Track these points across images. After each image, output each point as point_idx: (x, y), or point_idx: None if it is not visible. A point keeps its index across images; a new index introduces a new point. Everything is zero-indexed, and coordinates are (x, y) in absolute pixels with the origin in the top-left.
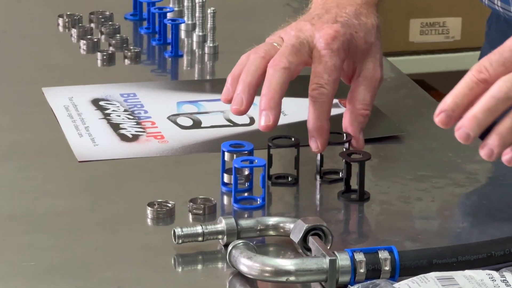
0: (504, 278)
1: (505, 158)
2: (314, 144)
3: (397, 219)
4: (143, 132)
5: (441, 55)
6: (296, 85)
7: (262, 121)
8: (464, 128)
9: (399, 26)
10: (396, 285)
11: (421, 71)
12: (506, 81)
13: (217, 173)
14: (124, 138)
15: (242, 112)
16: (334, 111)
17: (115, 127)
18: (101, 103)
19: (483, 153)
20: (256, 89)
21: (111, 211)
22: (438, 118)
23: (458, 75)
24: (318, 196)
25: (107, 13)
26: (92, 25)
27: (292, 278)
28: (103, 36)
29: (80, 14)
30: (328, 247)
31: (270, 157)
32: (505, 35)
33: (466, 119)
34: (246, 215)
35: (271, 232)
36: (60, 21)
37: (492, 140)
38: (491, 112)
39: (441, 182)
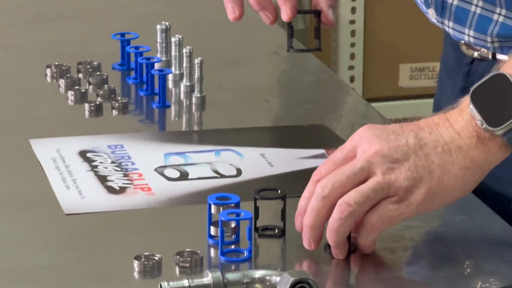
0: None
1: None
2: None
3: (383, 270)
4: (130, 184)
5: (431, 99)
6: (284, 135)
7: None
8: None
9: (388, 71)
10: None
11: (410, 115)
12: (322, 183)
13: (204, 225)
14: (111, 190)
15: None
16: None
17: (103, 179)
18: (89, 155)
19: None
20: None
21: (98, 264)
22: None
23: None
24: (305, 248)
25: (95, 63)
26: (80, 75)
27: None
28: (91, 87)
29: (68, 65)
30: None
31: (256, 209)
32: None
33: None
34: (233, 268)
35: (258, 286)
36: (48, 71)
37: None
38: (316, 213)
39: (427, 234)
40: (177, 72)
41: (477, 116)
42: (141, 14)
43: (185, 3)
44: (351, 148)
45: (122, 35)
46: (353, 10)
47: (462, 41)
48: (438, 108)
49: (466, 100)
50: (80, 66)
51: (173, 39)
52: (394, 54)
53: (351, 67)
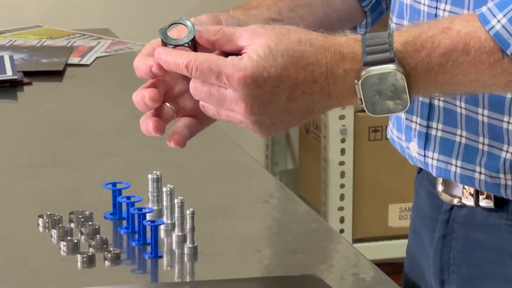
0: None
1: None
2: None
3: None
4: None
5: None
6: (276, 286)
7: None
8: None
9: (378, 211)
10: None
11: (400, 255)
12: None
13: None
14: None
15: None
16: None
17: None
18: None
19: None
20: None
21: None
22: None
23: None
24: None
25: (87, 212)
26: (72, 225)
27: None
28: (83, 237)
29: (60, 214)
30: None
31: None
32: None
33: None
34: None
35: None
36: (40, 221)
37: None
38: None
39: None
40: (169, 222)
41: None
42: (132, 162)
43: (175, 150)
44: (224, 85)
45: (114, 184)
46: (343, 151)
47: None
48: (413, 261)
49: (355, 67)
50: (72, 216)
51: (164, 189)
52: (383, 195)
53: (340, 208)
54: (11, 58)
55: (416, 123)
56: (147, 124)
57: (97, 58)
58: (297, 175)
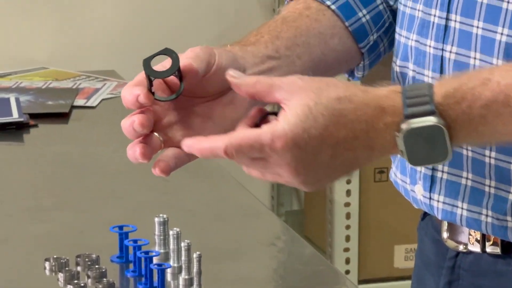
0: None
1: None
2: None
3: None
4: None
5: None
6: None
7: None
8: None
9: (384, 252)
10: None
11: None
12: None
13: None
14: None
15: None
16: None
17: None
18: None
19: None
20: None
21: None
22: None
23: None
24: None
25: (94, 255)
26: (79, 268)
27: None
28: (89, 280)
29: (67, 258)
30: None
31: None
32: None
33: None
34: None
35: None
36: (47, 264)
37: None
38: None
39: None
40: (176, 265)
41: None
42: (139, 204)
43: (181, 192)
44: (267, 155)
45: (120, 227)
46: (348, 192)
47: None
48: None
49: (396, 120)
50: (78, 259)
51: (171, 232)
52: (389, 236)
53: (346, 249)
54: (17, 100)
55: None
56: (134, 150)
57: (102, 100)
58: (302, 216)
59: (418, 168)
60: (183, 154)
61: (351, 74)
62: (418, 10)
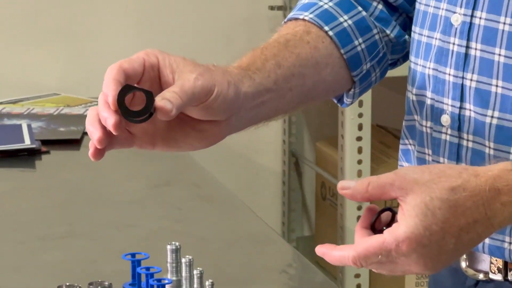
0: None
1: None
2: None
3: None
4: None
5: None
6: None
7: None
8: None
9: (395, 278)
10: None
11: None
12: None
13: None
14: None
15: None
16: None
17: None
18: None
19: None
20: None
21: None
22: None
23: None
24: None
25: (106, 283)
26: None
27: None
28: None
29: (79, 285)
30: None
31: None
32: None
33: None
34: None
35: None
36: None
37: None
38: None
39: None
40: None
41: None
42: (151, 232)
43: (193, 219)
44: (395, 255)
45: (133, 255)
46: (359, 219)
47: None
48: None
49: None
50: (91, 286)
51: (183, 260)
52: None
53: (357, 275)
54: (29, 126)
55: None
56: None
57: None
58: (313, 242)
59: None
60: (129, 139)
61: (340, 100)
62: (436, 39)
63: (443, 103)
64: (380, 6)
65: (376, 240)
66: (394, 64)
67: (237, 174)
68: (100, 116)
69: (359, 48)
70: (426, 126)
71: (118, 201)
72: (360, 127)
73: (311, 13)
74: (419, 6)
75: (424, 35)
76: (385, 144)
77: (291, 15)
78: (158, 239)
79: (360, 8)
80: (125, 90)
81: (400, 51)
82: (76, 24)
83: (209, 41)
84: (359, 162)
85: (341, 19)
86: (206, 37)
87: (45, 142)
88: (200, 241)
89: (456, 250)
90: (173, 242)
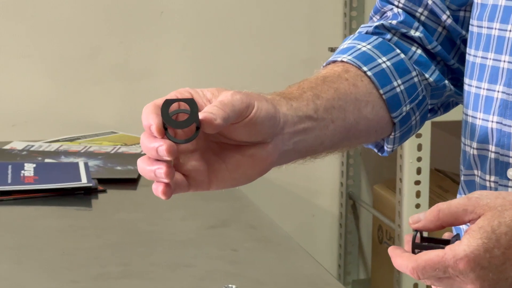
0: None
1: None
2: None
3: None
4: None
5: None
6: None
7: None
8: None
9: None
10: None
11: None
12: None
13: None
14: None
15: None
16: None
17: None
18: None
19: None
20: None
21: None
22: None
23: None
24: None
25: None
26: None
27: None
28: None
29: None
30: None
31: None
32: None
33: None
34: None
35: None
36: None
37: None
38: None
39: None
40: None
41: None
42: (206, 273)
43: (249, 261)
44: (452, 272)
45: None
46: None
47: None
48: None
49: None
50: None
51: None
52: None
53: None
54: (86, 165)
55: None
56: (157, 187)
57: None
58: (369, 285)
59: None
60: (184, 181)
61: (381, 149)
62: (498, 92)
63: (509, 156)
64: (419, 51)
65: (436, 255)
66: (435, 112)
67: (293, 215)
68: (150, 150)
69: (398, 90)
70: (489, 181)
71: (174, 241)
72: (418, 171)
73: (349, 55)
74: (473, 59)
75: (483, 88)
76: (443, 188)
77: (329, 59)
78: (213, 281)
79: (398, 51)
80: (168, 103)
81: (439, 96)
82: (134, 63)
83: (268, 81)
84: (417, 206)
85: (380, 61)
86: (264, 77)
87: (101, 181)
88: (256, 284)
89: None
90: (229, 285)
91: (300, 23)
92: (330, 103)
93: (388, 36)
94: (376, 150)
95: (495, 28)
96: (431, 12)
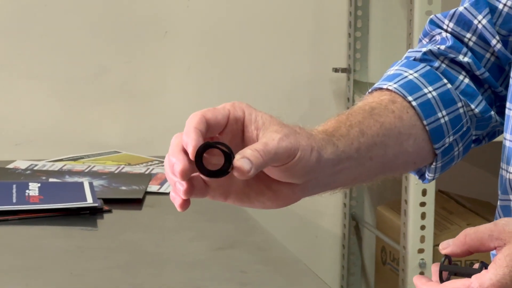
0: None
1: None
2: None
3: None
4: None
5: None
6: None
7: None
8: None
9: None
10: None
11: None
12: None
13: None
14: None
15: None
16: None
17: None
18: None
19: None
20: None
21: None
22: None
23: None
24: None
25: None
26: None
27: None
28: None
29: None
30: None
31: None
32: None
33: None
34: None
35: None
36: None
37: None
38: None
39: None
40: None
41: None
42: None
43: (258, 283)
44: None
45: None
46: None
47: None
48: None
49: None
50: None
51: None
52: None
53: None
54: (91, 184)
55: None
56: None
57: None
58: None
59: None
60: (203, 187)
61: (422, 176)
62: None
63: None
64: (467, 80)
65: (462, 284)
66: (479, 142)
67: (297, 236)
68: (170, 161)
69: (442, 121)
70: None
71: (182, 262)
72: (424, 193)
73: (395, 82)
74: None
75: None
76: (447, 210)
77: (376, 85)
78: None
79: (445, 81)
80: (205, 148)
81: (484, 127)
82: (138, 83)
83: (272, 101)
84: (422, 227)
85: (426, 90)
86: (268, 97)
87: (106, 201)
88: None
89: None
90: None
91: (304, 44)
92: (373, 140)
93: (436, 64)
94: (417, 177)
95: None
96: (480, 37)
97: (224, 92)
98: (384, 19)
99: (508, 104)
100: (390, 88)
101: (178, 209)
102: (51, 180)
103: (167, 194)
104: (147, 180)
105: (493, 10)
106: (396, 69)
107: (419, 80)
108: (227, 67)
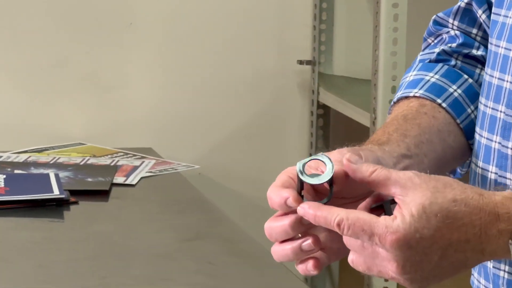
0: None
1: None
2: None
3: None
4: None
5: None
6: None
7: None
8: None
9: None
10: None
11: None
12: None
13: None
14: None
15: None
16: None
17: None
18: None
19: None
20: None
21: None
22: None
23: None
24: None
25: None
26: None
27: None
28: None
29: None
30: None
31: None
32: None
33: None
34: None
35: None
36: None
37: None
38: None
39: None
40: None
41: None
42: (185, 286)
43: (228, 275)
44: (378, 242)
45: None
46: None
47: None
48: None
49: (509, 227)
50: None
51: None
52: None
53: None
54: (57, 176)
55: (504, 271)
56: (305, 264)
57: (142, 178)
58: None
59: (501, 274)
60: (324, 256)
61: (453, 171)
62: (500, 112)
63: (505, 178)
64: (483, 73)
65: (370, 217)
66: None
67: (263, 228)
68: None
69: (472, 116)
70: None
71: (150, 254)
72: None
73: (420, 89)
74: (485, 77)
75: (489, 107)
76: None
77: (399, 94)
78: None
79: (466, 76)
80: (308, 160)
81: None
82: (102, 74)
83: (237, 93)
84: None
85: (451, 90)
86: (233, 89)
87: (73, 192)
88: None
89: (437, 266)
90: None
91: (269, 36)
92: (418, 139)
93: (453, 62)
94: (447, 173)
95: (502, 47)
96: (485, 32)
97: (188, 85)
98: (349, 11)
99: (480, 99)
100: (417, 95)
101: (315, 271)
102: (16, 171)
103: (133, 186)
104: (113, 172)
105: (490, 5)
106: (415, 74)
107: (442, 81)
108: (192, 59)
